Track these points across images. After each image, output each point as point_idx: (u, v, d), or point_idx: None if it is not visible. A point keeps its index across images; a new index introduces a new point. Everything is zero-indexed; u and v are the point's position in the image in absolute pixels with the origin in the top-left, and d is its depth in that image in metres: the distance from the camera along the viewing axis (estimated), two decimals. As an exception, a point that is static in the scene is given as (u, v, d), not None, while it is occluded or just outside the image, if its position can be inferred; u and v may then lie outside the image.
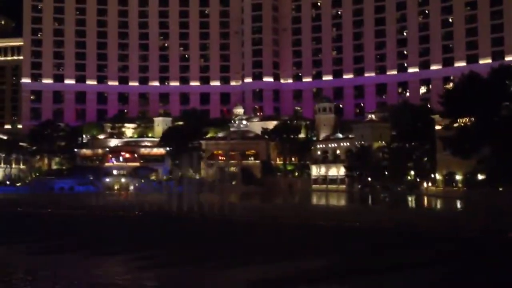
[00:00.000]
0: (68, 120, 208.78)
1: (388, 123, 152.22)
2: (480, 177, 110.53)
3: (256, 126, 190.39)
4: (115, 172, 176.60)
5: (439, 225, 51.97)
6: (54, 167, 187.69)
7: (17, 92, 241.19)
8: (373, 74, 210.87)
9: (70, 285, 30.02)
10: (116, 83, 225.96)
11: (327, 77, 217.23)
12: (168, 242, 44.82)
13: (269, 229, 51.41)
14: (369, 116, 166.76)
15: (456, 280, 30.94)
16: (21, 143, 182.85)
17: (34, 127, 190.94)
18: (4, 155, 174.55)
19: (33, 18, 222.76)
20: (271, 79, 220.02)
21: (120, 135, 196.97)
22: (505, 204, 79.86)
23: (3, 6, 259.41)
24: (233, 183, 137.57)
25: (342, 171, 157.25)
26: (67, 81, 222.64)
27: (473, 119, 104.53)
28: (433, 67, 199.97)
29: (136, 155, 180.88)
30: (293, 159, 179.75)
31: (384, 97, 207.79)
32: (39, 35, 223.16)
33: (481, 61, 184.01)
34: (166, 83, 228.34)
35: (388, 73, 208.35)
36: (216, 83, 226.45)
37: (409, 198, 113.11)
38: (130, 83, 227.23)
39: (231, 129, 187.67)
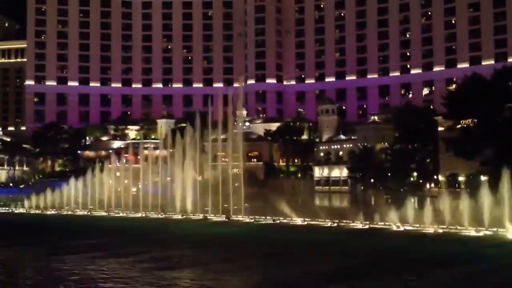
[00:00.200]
0: (71, 122, 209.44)
1: (391, 124, 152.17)
2: (483, 178, 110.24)
3: (259, 127, 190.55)
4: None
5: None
6: (57, 169, 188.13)
7: (20, 94, 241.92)
8: (376, 76, 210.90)
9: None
10: (120, 85, 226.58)
11: (330, 79, 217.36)
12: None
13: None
14: (372, 117, 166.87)
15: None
16: (24, 145, 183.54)
17: (38, 129, 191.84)
18: (7, 157, 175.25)
19: (37, 21, 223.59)
20: (274, 81, 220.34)
21: (124, 137, 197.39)
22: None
23: (7, 8, 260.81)
24: (236, 185, 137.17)
25: (344, 172, 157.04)
26: (70, 83, 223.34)
27: (476, 120, 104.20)
28: (436, 69, 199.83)
29: (139, 157, 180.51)
30: (296, 160, 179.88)
31: (387, 98, 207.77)
32: (42, 37, 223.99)
33: (484, 63, 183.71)
34: (169, 85, 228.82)
35: (391, 74, 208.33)
36: (219, 84, 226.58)
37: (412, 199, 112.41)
38: (134, 85, 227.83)
39: (234, 131, 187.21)
